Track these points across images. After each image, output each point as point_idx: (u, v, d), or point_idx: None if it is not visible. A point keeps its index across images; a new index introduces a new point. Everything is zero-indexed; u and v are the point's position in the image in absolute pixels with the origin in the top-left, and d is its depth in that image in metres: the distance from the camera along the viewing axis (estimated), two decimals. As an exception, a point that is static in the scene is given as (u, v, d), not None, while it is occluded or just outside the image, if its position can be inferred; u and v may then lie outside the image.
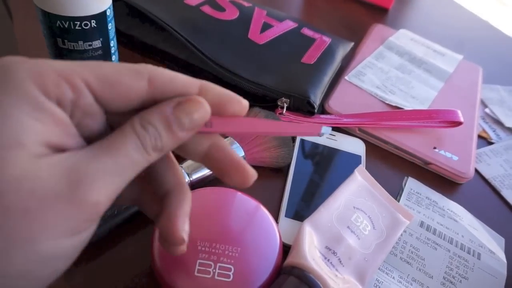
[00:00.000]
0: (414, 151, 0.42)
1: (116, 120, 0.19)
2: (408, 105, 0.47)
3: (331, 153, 0.40)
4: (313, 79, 0.43)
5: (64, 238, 0.16)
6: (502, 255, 0.34)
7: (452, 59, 0.58)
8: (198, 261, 0.27)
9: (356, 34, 0.59)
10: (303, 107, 0.41)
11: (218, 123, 0.20)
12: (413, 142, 0.42)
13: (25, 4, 0.49)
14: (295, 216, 0.33)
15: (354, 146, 0.41)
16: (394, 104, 0.46)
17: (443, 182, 0.41)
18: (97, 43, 0.33)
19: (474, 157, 0.43)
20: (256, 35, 0.46)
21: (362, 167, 0.36)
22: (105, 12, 0.32)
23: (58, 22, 0.31)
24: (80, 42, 0.32)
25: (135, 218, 0.30)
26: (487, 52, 0.66)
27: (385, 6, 0.69)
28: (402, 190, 0.38)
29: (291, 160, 0.37)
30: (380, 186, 0.35)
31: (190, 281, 0.26)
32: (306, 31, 0.49)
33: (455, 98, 0.51)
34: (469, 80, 0.55)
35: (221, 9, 0.48)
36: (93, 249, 0.29)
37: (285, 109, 0.41)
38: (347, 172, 0.35)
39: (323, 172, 0.38)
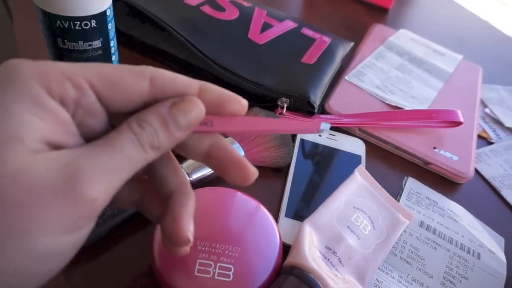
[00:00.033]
0: (414, 151, 0.42)
1: (117, 122, 0.19)
2: (408, 105, 0.47)
3: (331, 153, 0.40)
4: (313, 79, 0.43)
5: (60, 235, 0.16)
6: (502, 255, 0.34)
7: (452, 59, 0.58)
8: (198, 261, 0.27)
9: (356, 34, 0.59)
10: (303, 107, 0.41)
11: (218, 123, 0.21)
12: (413, 142, 0.42)
13: (25, 4, 0.49)
14: (295, 216, 0.34)
15: (354, 146, 0.41)
16: (394, 104, 0.46)
17: (443, 182, 0.41)
18: (97, 43, 0.33)
19: (474, 157, 0.43)
20: (256, 35, 0.46)
21: (362, 167, 0.36)
22: (105, 12, 0.32)
23: (58, 22, 0.31)
24: (80, 42, 0.32)
25: (135, 218, 0.30)
26: (487, 52, 0.66)
27: (385, 6, 0.69)
28: (402, 190, 0.38)
29: (291, 160, 0.38)
30: (380, 186, 0.35)
31: (190, 281, 0.26)
32: (306, 31, 0.49)
33: (455, 98, 0.51)
34: (469, 80, 0.55)
35: (221, 9, 0.48)
36: (93, 249, 0.29)
37: (285, 109, 0.41)
38: (347, 172, 0.35)
39: (323, 172, 0.38)
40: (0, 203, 0.15)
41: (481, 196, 0.41)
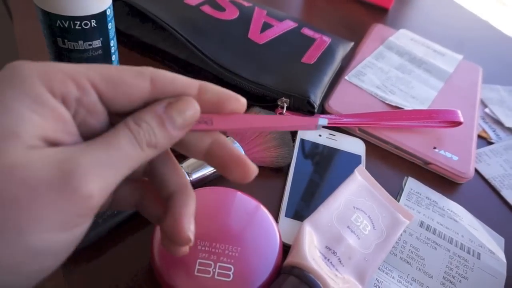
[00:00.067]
0: (414, 151, 0.42)
1: (118, 122, 0.19)
2: (408, 105, 0.47)
3: (331, 153, 0.40)
4: (313, 79, 0.43)
5: (55, 232, 0.16)
6: (502, 255, 0.34)
7: (452, 59, 0.58)
8: (198, 260, 0.27)
9: (356, 34, 0.59)
10: (303, 107, 0.41)
11: (218, 121, 0.21)
12: (413, 142, 0.42)
13: (25, 3, 0.49)
14: (295, 216, 0.33)
15: (354, 146, 0.41)
16: (394, 104, 0.46)
17: (443, 182, 0.41)
18: (97, 43, 0.33)
19: (474, 157, 0.43)
20: (256, 35, 0.46)
21: (362, 167, 0.36)
22: (105, 11, 0.32)
23: (58, 21, 0.31)
24: (80, 42, 0.32)
25: (135, 218, 0.30)
26: (487, 52, 0.66)
27: (385, 6, 0.69)
28: (402, 190, 0.38)
29: (291, 160, 0.37)
30: (380, 186, 0.35)
31: (190, 280, 0.26)
32: (306, 31, 0.49)
33: (455, 98, 0.51)
34: (469, 80, 0.55)
35: (221, 9, 0.48)
36: (93, 249, 0.29)
37: (285, 109, 0.41)
38: (347, 172, 0.35)
39: (323, 172, 0.38)
40: None
41: (481, 196, 0.41)
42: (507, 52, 0.68)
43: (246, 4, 0.50)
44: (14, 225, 0.15)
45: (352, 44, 0.52)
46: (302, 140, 0.40)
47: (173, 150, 0.24)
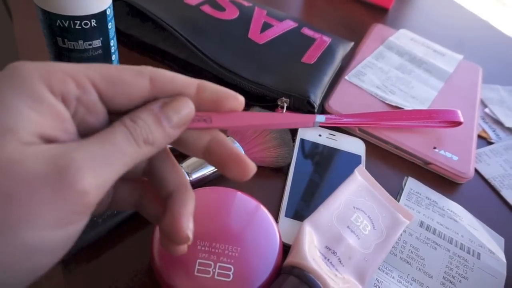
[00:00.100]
0: (414, 151, 0.42)
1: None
2: (408, 105, 0.47)
3: (331, 153, 0.40)
4: (313, 79, 0.43)
5: (49, 229, 0.16)
6: (501, 255, 0.34)
7: (452, 59, 0.58)
8: (198, 260, 0.27)
9: (356, 34, 0.59)
10: (303, 107, 0.41)
11: (217, 119, 0.21)
12: (413, 142, 0.42)
13: (25, 3, 0.49)
14: (295, 216, 0.33)
15: (354, 146, 0.41)
16: (394, 104, 0.46)
17: (443, 182, 0.41)
18: (97, 43, 0.33)
19: (474, 157, 0.43)
20: (256, 35, 0.46)
21: (362, 167, 0.36)
22: (105, 11, 0.32)
23: (58, 21, 0.31)
24: (80, 42, 0.32)
25: (134, 218, 0.30)
26: (487, 52, 0.66)
27: (385, 6, 0.69)
28: (402, 190, 0.38)
29: (291, 160, 0.37)
30: (380, 186, 0.35)
31: (190, 280, 0.26)
32: (306, 31, 0.49)
33: (455, 98, 0.51)
34: (469, 80, 0.55)
35: (221, 8, 0.48)
36: (93, 249, 0.29)
37: (285, 109, 0.41)
38: (347, 172, 0.35)
39: (323, 172, 0.38)
40: None
41: (481, 196, 0.41)
42: (507, 52, 0.68)
43: (246, 4, 0.50)
44: (7, 221, 0.15)
45: (352, 44, 0.52)
46: (302, 140, 0.40)
47: (172, 150, 0.24)
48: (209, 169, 0.33)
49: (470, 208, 0.38)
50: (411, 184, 0.38)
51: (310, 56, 0.45)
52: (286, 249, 0.30)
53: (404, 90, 0.49)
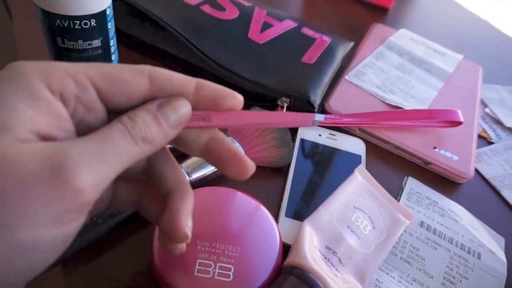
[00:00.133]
0: (414, 150, 0.42)
1: None
2: (408, 105, 0.47)
3: (331, 152, 0.40)
4: (313, 79, 0.43)
5: (44, 228, 0.15)
6: (502, 255, 0.34)
7: (452, 59, 0.58)
8: (198, 260, 0.27)
9: (356, 34, 0.59)
10: (303, 107, 0.41)
11: (216, 117, 0.21)
12: (413, 142, 0.42)
13: (24, 3, 0.49)
14: (295, 216, 0.33)
15: (354, 145, 0.41)
16: (394, 104, 0.46)
17: (443, 182, 0.41)
18: (96, 42, 0.33)
19: (474, 157, 0.43)
20: (256, 35, 0.46)
21: (362, 166, 0.36)
22: (104, 11, 0.32)
23: (58, 21, 0.30)
24: (80, 41, 0.32)
25: (134, 218, 0.30)
26: (487, 51, 0.66)
27: (385, 5, 0.69)
28: (402, 190, 0.37)
29: (291, 160, 0.37)
30: (380, 186, 0.35)
31: (190, 280, 0.26)
32: (306, 31, 0.49)
33: (455, 98, 0.51)
34: (469, 80, 0.55)
35: (221, 8, 0.48)
36: (93, 249, 0.29)
37: (285, 109, 0.41)
38: (347, 172, 0.35)
39: (323, 172, 0.38)
40: None
41: (481, 196, 0.41)
42: (507, 52, 0.68)
43: (246, 3, 0.50)
44: (0, 219, 0.14)
45: (352, 44, 0.52)
46: (302, 140, 0.40)
47: (172, 150, 0.24)
48: (209, 169, 0.33)
49: (471, 208, 0.38)
50: (411, 184, 0.38)
51: (310, 56, 0.45)
52: (286, 249, 0.30)
53: (404, 90, 0.49)
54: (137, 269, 0.28)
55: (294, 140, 0.39)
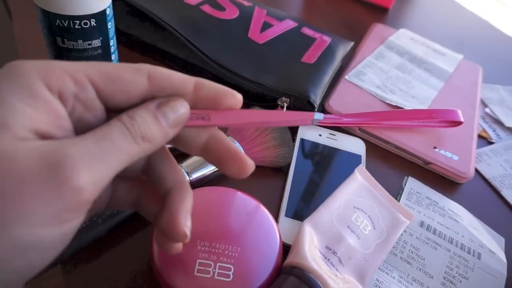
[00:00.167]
0: (414, 150, 0.42)
1: None
2: (408, 105, 0.47)
3: (331, 152, 0.40)
4: (313, 79, 0.43)
5: (42, 227, 0.15)
6: (502, 255, 0.34)
7: (452, 59, 0.58)
8: (198, 260, 0.27)
9: (356, 34, 0.59)
10: (303, 107, 0.41)
11: (215, 116, 0.21)
12: (413, 142, 0.42)
13: (24, 3, 0.49)
14: (295, 216, 0.33)
15: (354, 145, 0.41)
16: (394, 104, 0.46)
17: (443, 182, 0.41)
18: (96, 42, 0.33)
19: (474, 157, 0.43)
20: (256, 35, 0.46)
21: (362, 166, 0.36)
22: (104, 11, 0.32)
23: (58, 21, 0.30)
24: (80, 41, 0.32)
25: (134, 218, 0.30)
26: (487, 51, 0.66)
27: (385, 5, 0.69)
28: (402, 190, 0.37)
29: (291, 160, 0.37)
30: (380, 186, 0.35)
31: (189, 280, 0.26)
32: (306, 31, 0.49)
33: (455, 97, 0.51)
34: (469, 79, 0.55)
35: (221, 8, 0.48)
36: (92, 249, 0.29)
37: (285, 109, 0.41)
38: (347, 172, 0.35)
39: (323, 172, 0.38)
40: None
41: (481, 196, 0.41)
42: (507, 52, 0.68)
43: (246, 3, 0.50)
44: (0, 218, 0.14)
45: (352, 43, 0.52)
46: (302, 140, 0.40)
47: (172, 150, 0.24)
48: (209, 169, 0.33)
49: (471, 208, 0.38)
50: (412, 184, 0.38)
51: (310, 56, 0.45)
52: (286, 249, 0.30)
53: (404, 89, 0.49)
54: (137, 269, 0.28)
55: (294, 140, 0.39)
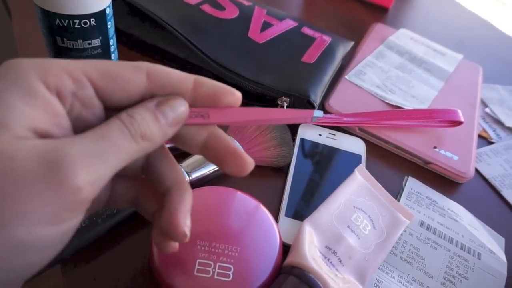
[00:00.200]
0: (414, 150, 0.42)
1: None
2: (408, 105, 0.47)
3: (331, 152, 0.40)
4: (313, 78, 0.42)
5: (41, 226, 0.15)
6: (502, 255, 0.34)
7: (452, 59, 0.58)
8: (198, 260, 0.27)
9: (356, 33, 0.59)
10: (303, 106, 0.41)
11: (214, 114, 0.21)
12: (413, 142, 0.42)
13: (24, 2, 0.49)
14: (295, 216, 0.33)
15: (354, 145, 0.41)
16: (394, 104, 0.46)
17: (443, 182, 0.41)
18: (96, 42, 0.33)
19: (474, 156, 0.43)
20: (256, 34, 0.46)
21: (362, 166, 0.36)
22: (104, 10, 0.32)
23: (57, 20, 0.30)
24: (80, 41, 0.32)
25: (134, 218, 0.30)
26: (487, 51, 0.66)
27: (385, 5, 0.69)
28: (402, 190, 0.37)
29: (291, 160, 0.37)
30: (380, 186, 0.35)
31: (189, 280, 0.26)
32: (306, 30, 0.49)
33: (455, 97, 0.51)
34: (469, 79, 0.55)
35: (221, 8, 0.48)
36: (92, 249, 0.29)
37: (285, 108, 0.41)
38: (347, 172, 0.35)
39: (323, 172, 0.38)
40: None
41: (481, 196, 0.41)
42: (507, 52, 0.68)
43: (246, 3, 0.50)
44: None
45: (352, 43, 0.52)
46: (302, 140, 0.40)
47: (172, 149, 0.24)
48: (208, 169, 0.33)
49: (471, 208, 0.38)
50: (412, 184, 0.38)
51: (310, 56, 0.45)
52: (286, 249, 0.30)
53: (404, 89, 0.49)
54: (136, 268, 0.28)
55: (294, 140, 0.39)
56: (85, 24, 0.31)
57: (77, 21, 0.31)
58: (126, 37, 0.46)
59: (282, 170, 0.37)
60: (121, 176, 0.22)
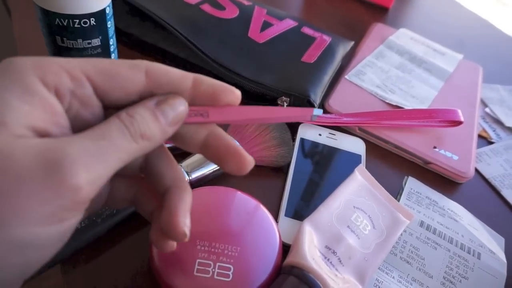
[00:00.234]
0: (414, 150, 0.42)
1: None
2: (408, 105, 0.47)
3: (331, 152, 0.40)
4: (313, 78, 0.42)
5: (40, 225, 0.15)
6: (502, 255, 0.34)
7: (452, 59, 0.58)
8: (198, 260, 0.26)
9: (356, 33, 0.59)
10: (303, 106, 0.41)
11: (214, 113, 0.21)
12: (413, 142, 0.42)
13: (24, 2, 0.49)
14: (295, 216, 0.33)
15: (354, 145, 0.41)
16: (394, 104, 0.46)
17: (443, 182, 0.41)
18: (96, 41, 0.33)
19: (474, 156, 0.43)
20: (256, 34, 0.46)
21: (362, 166, 0.36)
22: (104, 10, 0.32)
23: (57, 20, 0.30)
24: (79, 40, 0.32)
25: (134, 218, 0.30)
26: (487, 51, 0.66)
27: (385, 5, 0.69)
28: (402, 190, 0.37)
29: (291, 159, 0.37)
30: (380, 186, 0.35)
31: (189, 280, 0.26)
32: (306, 30, 0.49)
33: (455, 97, 0.51)
34: (469, 79, 0.55)
35: (221, 7, 0.48)
36: (92, 249, 0.29)
37: (285, 108, 0.40)
38: (347, 172, 0.35)
39: (323, 172, 0.38)
40: None
41: (481, 196, 0.41)
42: (507, 52, 0.68)
43: (246, 2, 0.50)
44: None
45: (352, 43, 0.52)
46: (302, 140, 0.40)
47: (172, 149, 0.24)
48: (208, 169, 0.33)
49: (470, 207, 0.38)
50: (411, 184, 0.38)
51: (310, 55, 0.45)
52: (286, 249, 0.30)
53: (404, 89, 0.49)
54: (136, 269, 0.28)
55: (294, 140, 0.39)
56: (85, 24, 0.31)
57: (77, 20, 0.31)
58: (126, 36, 0.46)
59: (282, 170, 0.37)
60: (120, 175, 0.22)
